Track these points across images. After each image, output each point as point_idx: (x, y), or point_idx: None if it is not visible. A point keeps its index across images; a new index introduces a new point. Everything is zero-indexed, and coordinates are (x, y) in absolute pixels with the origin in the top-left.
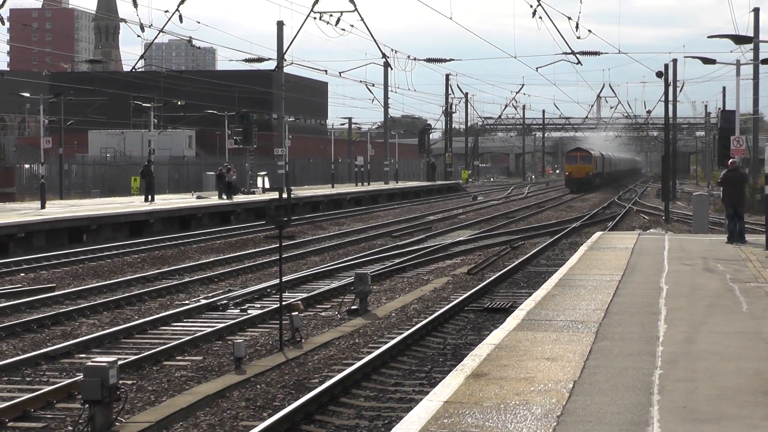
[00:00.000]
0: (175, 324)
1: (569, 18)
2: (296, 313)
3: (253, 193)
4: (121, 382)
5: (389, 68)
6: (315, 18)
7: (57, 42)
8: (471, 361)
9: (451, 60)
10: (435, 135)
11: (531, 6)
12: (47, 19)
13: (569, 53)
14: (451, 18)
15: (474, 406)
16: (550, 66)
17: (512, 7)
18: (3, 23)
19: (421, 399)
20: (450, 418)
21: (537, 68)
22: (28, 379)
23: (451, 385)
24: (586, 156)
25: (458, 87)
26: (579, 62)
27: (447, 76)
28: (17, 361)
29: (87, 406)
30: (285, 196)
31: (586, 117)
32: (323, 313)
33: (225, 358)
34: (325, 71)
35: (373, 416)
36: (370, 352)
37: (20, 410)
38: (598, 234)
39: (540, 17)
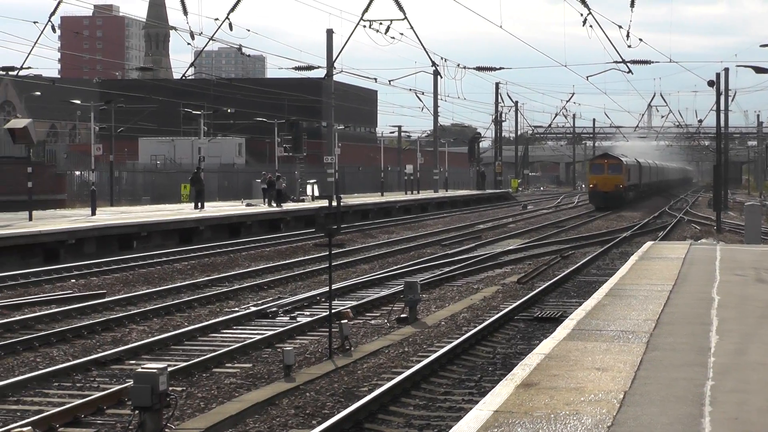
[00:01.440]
0: (224, 331)
1: (620, 26)
2: (346, 321)
3: (303, 201)
4: (170, 388)
5: (439, 76)
6: (365, 26)
7: (107, 50)
8: (521, 371)
9: (501, 68)
10: (485, 144)
11: (581, 14)
12: (98, 27)
13: (620, 62)
14: (501, 26)
15: (524, 415)
16: (601, 75)
17: (563, 16)
18: (54, 31)
19: (471, 408)
20: (500, 428)
21: (587, 77)
22: (78, 384)
23: (501, 395)
24: (616, 164)
25: (508, 95)
26: (630, 71)
27: (497, 84)
28: (68, 366)
29: (137, 412)
30: (335, 204)
31: (637, 126)
32: (372, 322)
33: (274, 366)
34: (375, 79)
35: (422, 425)
36: (419, 361)
37: (71, 416)
38: (648, 244)
39: (590, 26)
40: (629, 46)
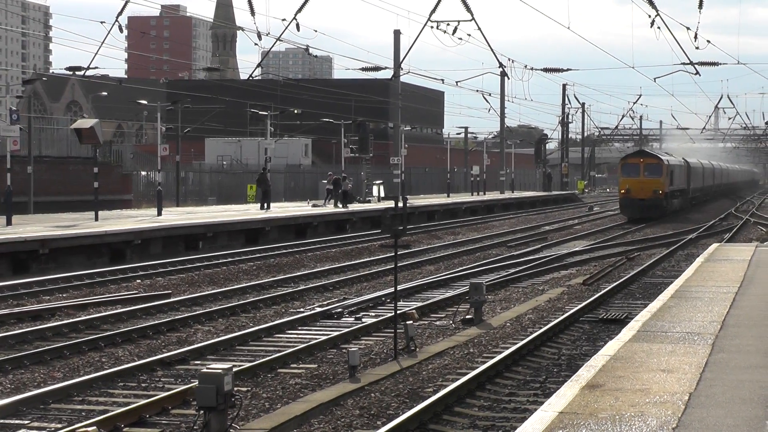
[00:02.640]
0: (289, 331)
1: (688, 28)
2: (411, 321)
3: (369, 202)
4: (235, 389)
5: (506, 78)
6: (432, 27)
7: (174, 50)
8: (586, 372)
9: (568, 70)
10: (551, 145)
11: (649, 16)
12: (165, 27)
13: (687, 63)
14: (569, 28)
15: (589, 417)
16: (668, 76)
17: (630, 17)
18: (121, 31)
19: (536, 409)
20: (565, 429)
21: (655, 78)
22: (143, 384)
23: (566, 396)
24: (654, 165)
25: (575, 97)
26: (697, 73)
27: (564, 86)
28: (133, 366)
29: (202, 412)
30: (401, 205)
31: (704, 128)
32: (438, 323)
33: (339, 366)
34: (442, 80)
35: (487, 426)
36: (484, 362)
37: (136, 416)
38: (714, 246)
39: (658, 27)
40: (697, 48)
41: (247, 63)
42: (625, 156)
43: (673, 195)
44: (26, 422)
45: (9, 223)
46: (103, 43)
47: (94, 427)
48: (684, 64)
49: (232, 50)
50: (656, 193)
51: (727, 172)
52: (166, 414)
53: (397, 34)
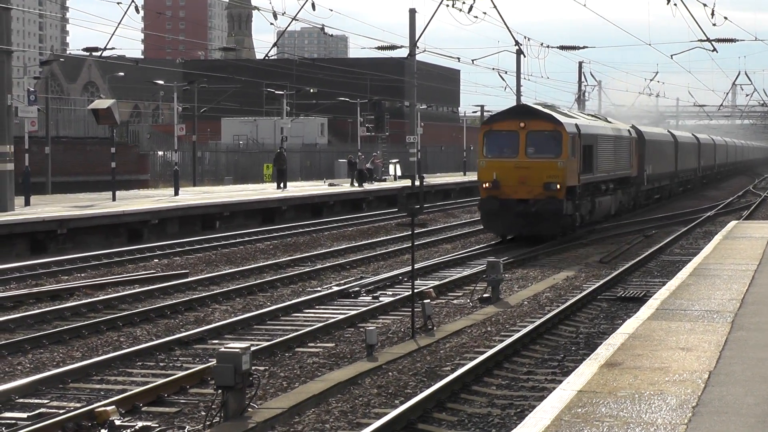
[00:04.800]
0: (307, 311)
1: (704, 5)
2: (428, 300)
3: (385, 180)
4: (253, 368)
5: (522, 56)
6: (448, 5)
7: (190, 30)
8: (604, 350)
9: (584, 47)
10: None
11: None
12: (181, 8)
13: (704, 40)
14: (585, 5)
15: (608, 395)
16: (685, 53)
17: None
18: (138, 11)
19: (554, 388)
20: (584, 408)
21: (671, 56)
22: (161, 364)
23: (584, 374)
24: (547, 134)
25: (591, 74)
26: (714, 49)
27: (580, 63)
28: (151, 346)
29: (220, 391)
30: (417, 183)
31: (721, 105)
32: (455, 301)
33: (357, 345)
34: (458, 59)
35: (505, 404)
36: (502, 341)
37: (154, 395)
38: (733, 223)
39: (675, 4)
40: (714, 24)
41: (262, 42)
42: (489, 118)
43: (595, 190)
44: (45, 401)
45: (27, 203)
46: (119, 24)
47: (113, 407)
48: (701, 41)
49: (247, 30)
50: (550, 189)
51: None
52: (184, 393)
53: (412, 12)
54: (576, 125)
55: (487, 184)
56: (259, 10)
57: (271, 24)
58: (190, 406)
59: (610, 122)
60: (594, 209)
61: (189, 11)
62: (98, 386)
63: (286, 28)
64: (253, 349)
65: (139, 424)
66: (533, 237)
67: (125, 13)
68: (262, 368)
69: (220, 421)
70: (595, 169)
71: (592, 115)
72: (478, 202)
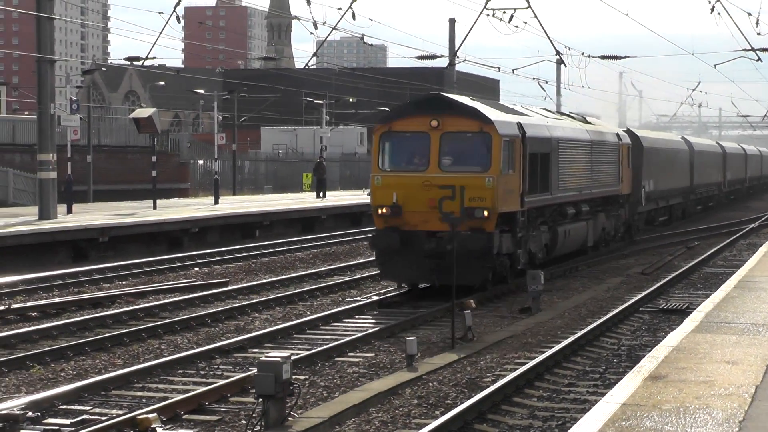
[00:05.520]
0: (346, 320)
1: (749, 14)
2: (468, 311)
3: None
4: (294, 377)
5: (562, 65)
6: (488, 15)
7: (230, 39)
8: (648, 363)
9: (626, 57)
10: None
11: (709, 2)
12: (221, 18)
13: (749, 50)
14: (627, 14)
15: (652, 408)
16: (729, 63)
17: (690, 3)
18: (179, 21)
19: (596, 400)
20: (627, 421)
21: (715, 65)
22: (202, 372)
23: (628, 387)
24: (470, 138)
25: (632, 84)
26: (759, 59)
27: (621, 73)
28: (192, 354)
29: (260, 400)
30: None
31: (765, 115)
32: (496, 312)
33: (397, 356)
34: (498, 68)
35: (546, 416)
36: (542, 352)
37: (195, 403)
38: None
39: (719, 13)
40: (759, 34)
41: (302, 52)
42: (388, 114)
43: (557, 216)
44: (88, 408)
45: (69, 211)
46: (161, 33)
47: (155, 414)
48: (745, 50)
49: (287, 39)
50: (473, 217)
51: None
52: (225, 402)
53: (452, 22)
54: (519, 124)
55: (383, 210)
56: (299, 19)
57: (311, 33)
58: (231, 414)
59: (588, 123)
60: (555, 242)
61: (229, 21)
62: (140, 393)
63: (326, 37)
64: (293, 358)
65: (181, 431)
66: (457, 287)
67: (166, 22)
68: (302, 377)
69: (260, 430)
70: (553, 187)
71: (564, 114)
72: (371, 236)
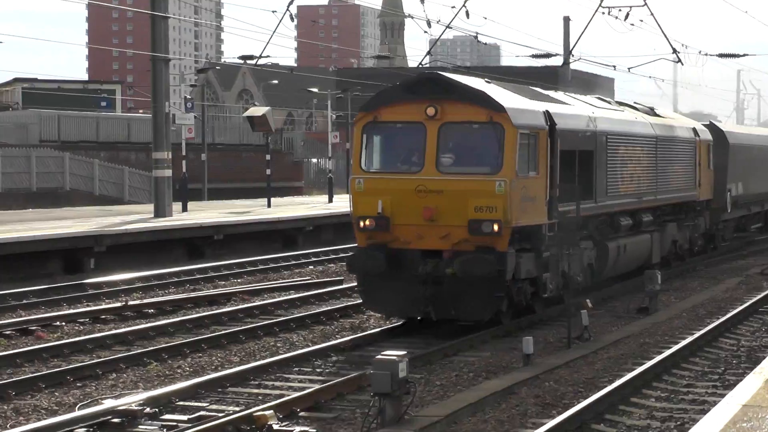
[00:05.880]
0: None
1: None
2: (585, 311)
3: None
4: (410, 375)
5: (679, 63)
6: (603, 13)
7: (343, 38)
8: None
9: (744, 55)
10: None
11: None
12: (333, 16)
13: None
14: (746, 12)
15: None
16: None
17: None
18: (292, 20)
19: (715, 401)
20: (749, 422)
21: None
22: (318, 370)
23: (749, 388)
24: (484, 129)
25: (751, 83)
26: None
27: (739, 72)
28: (308, 352)
29: (377, 398)
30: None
31: None
32: (612, 312)
33: (513, 355)
34: (614, 67)
35: (665, 417)
36: (660, 352)
37: (311, 400)
38: None
39: None
40: None
41: (415, 51)
42: (374, 99)
43: (606, 228)
44: (204, 404)
45: (185, 209)
46: (274, 32)
47: (271, 411)
48: None
49: (400, 38)
50: (479, 232)
51: None
52: (341, 399)
53: (566, 20)
54: (546, 114)
55: (366, 223)
56: (412, 18)
57: (425, 32)
58: (348, 412)
59: (657, 115)
60: (605, 261)
61: (342, 19)
62: (256, 390)
63: (440, 36)
64: (409, 356)
65: (297, 429)
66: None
67: (280, 21)
68: (418, 376)
69: (377, 428)
70: (599, 193)
71: (624, 104)
72: (349, 256)
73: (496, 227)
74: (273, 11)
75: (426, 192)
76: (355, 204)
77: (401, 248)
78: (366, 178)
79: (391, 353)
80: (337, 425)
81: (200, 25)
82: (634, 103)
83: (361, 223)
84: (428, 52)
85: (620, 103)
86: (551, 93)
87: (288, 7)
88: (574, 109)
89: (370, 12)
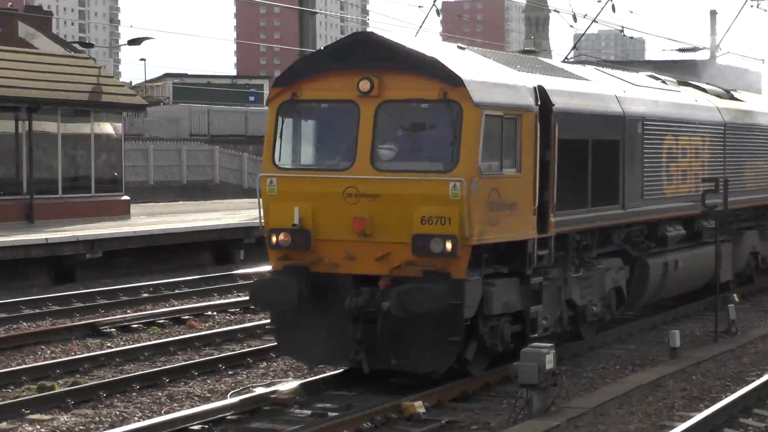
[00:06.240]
0: None
1: None
2: (732, 305)
3: None
4: (557, 368)
5: None
6: (752, 6)
7: (488, 33)
8: None
9: None
10: None
11: None
12: (478, 11)
13: None
14: None
15: None
16: None
17: None
18: (438, 15)
19: None
20: None
21: None
22: None
23: None
24: (434, 109)
25: None
26: None
27: None
28: None
29: (524, 389)
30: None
31: None
32: (759, 307)
33: (659, 348)
34: (762, 60)
35: None
36: None
37: (459, 391)
38: None
39: None
40: None
41: (560, 45)
42: (292, 69)
43: (650, 238)
44: (353, 394)
45: None
46: (420, 27)
47: (419, 401)
48: None
49: (545, 32)
50: (428, 252)
51: None
52: (488, 391)
53: (713, 13)
54: (536, 90)
55: (279, 237)
56: (558, 12)
57: (571, 26)
58: (495, 402)
59: (733, 98)
60: (644, 283)
61: (486, 14)
62: (403, 381)
63: (586, 30)
64: (556, 349)
65: (445, 418)
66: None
67: (426, 16)
68: (564, 368)
69: (524, 419)
70: (630, 196)
71: (686, 84)
72: (252, 283)
73: (449, 245)
74: (419, 6)
75: (357, 196)
76: (266, 212)
77: (327, 273)
78: (280, 177)
79: (539, 345)
80: (484, 415)
81: (346, 20)
82: (706, 84)
83: (274, 238)
84: (574, 47)
85: (683, 83)
86: (565, 66)
87: (434, 2)
88: (589, 85)
89: (515, 7)
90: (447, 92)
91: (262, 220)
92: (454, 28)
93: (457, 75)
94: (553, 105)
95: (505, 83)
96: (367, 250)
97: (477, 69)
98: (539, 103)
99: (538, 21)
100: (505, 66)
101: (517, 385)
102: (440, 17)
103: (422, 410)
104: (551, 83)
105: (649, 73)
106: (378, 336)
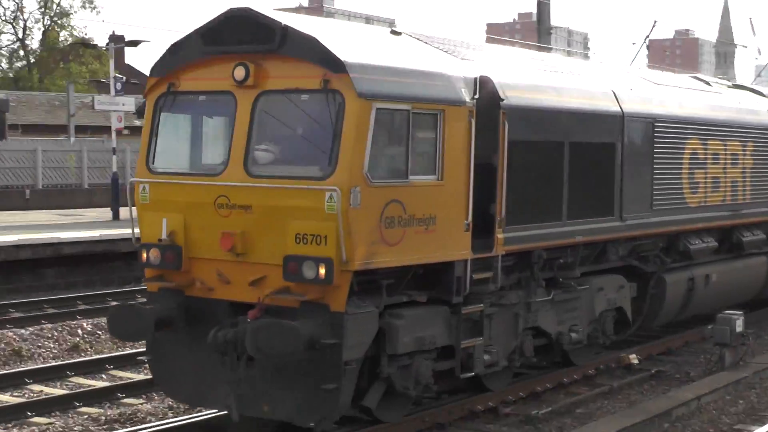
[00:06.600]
0: None
1: None
2: None
3: None
4: (745, 330)
5: None
6: None
7: (684, 65)
8: None
9: None
10: None
11: None
12: (677, 47)
13: None
14: None
15: None
16: None
17: None
18: (647, 50)
19: None
20: None
21: None
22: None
23: None
24: (314, 100)
25: None
26: None
27: None
28: None
29: (717, 347)
30: None
31: None
32: None
33: None
34: None
35: None
36: None
37: (665, 347)
38: None
39: None
40: None
41: (744, 74)
42: (167, 57)
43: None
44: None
45: None
46: (633, 61)
47: (634, 354)
48: None
49: (731, 63)
50: (300, 276)
51: None
52: (688, 347)
53: None
54: (477, 80)
55: (150, 254)
56: (745, 47)
57: (756, 58)
58: (694, 356)
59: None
60: (660, 301)
61: (684, 50)
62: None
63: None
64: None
65: (654, 368)
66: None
67: (637, 52)
68: (750, 331)
69: (717, 371)
70: (639, 204)
71: (698, 80)
72: (111, 309)
73: (322, 271)
74: (633, 43)
75: (229, 208)
76: (141, 223)
77: (200, 297)
78: (152, 182)
79: (731, 311)
80: (686, 367)
81: (572, 55)
82: (739, 84)
83: (144, 255)
84: (758, 75)
85: (738, 86)
86: (546, 56)
87: (645, 39)
88: (570, 80)
89: (708, 43)
90: (329, 80)
91: (137, 233)
92: (659, 60)
93: (338, 58)
94: (503, 99)
95: (422, 71)
96: (242, 272)
97: (377, 53)
98: (476, 96)
99: (726, 55)
100: (444, 54)
101: (711, 343)
102: (647, 53)
103: (636, 361)
104: (504, 74)
105: (694, 75)
106: (249, 378)
